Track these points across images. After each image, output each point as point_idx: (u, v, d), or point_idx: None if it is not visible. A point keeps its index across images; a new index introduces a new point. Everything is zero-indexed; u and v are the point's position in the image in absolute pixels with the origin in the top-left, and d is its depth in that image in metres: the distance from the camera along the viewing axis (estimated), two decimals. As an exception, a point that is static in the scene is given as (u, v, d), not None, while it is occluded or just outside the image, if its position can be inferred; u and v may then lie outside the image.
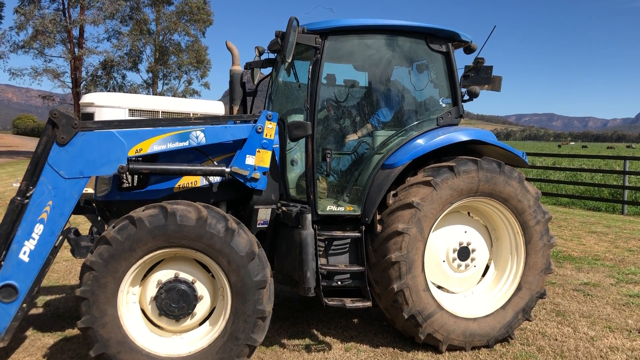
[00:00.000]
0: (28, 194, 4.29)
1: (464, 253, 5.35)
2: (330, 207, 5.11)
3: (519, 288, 5.39)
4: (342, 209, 5.13)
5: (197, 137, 4.67)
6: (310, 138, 4.96)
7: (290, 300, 6.56)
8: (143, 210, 4.34)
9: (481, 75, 5.44)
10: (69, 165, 4.26)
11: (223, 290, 4.44)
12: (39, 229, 4.19)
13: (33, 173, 4.34)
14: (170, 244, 4.23)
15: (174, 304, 4.32)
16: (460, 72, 5.48)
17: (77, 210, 4.79)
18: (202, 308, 4.44)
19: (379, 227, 5.04)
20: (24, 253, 4.15)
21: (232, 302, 4.32)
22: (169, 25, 39.77)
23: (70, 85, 38.25)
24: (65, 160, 4.27)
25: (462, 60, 5.52)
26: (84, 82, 39.38)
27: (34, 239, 4.17)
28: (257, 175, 4.84)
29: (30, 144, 57.84)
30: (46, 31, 35.97)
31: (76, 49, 38.13)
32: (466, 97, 5.46)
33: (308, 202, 5.07)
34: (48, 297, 6.54)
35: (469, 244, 5.36)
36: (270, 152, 4.91)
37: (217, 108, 16.38)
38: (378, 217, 5.09)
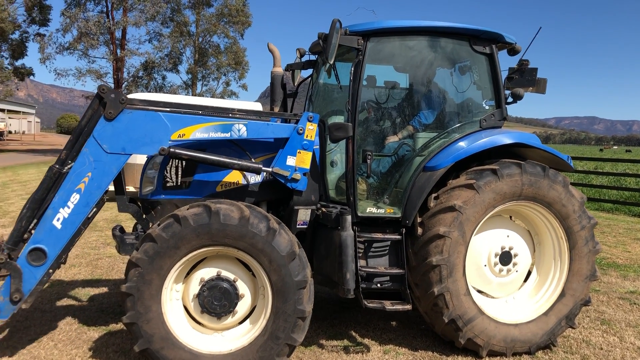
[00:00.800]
0: (66, 163, 4.43)
1: (505, 257, 5.27)
2: (370, 209, 5.11)
3: (562, 294, 5.28)
4: (382, 211, 5.12)
5: (239, 130, 4.73)
6: (351, 139, 4.96)
7: (328, 301, 6.58)
8: (187, 209, 4.42)
9: (525, 77, 5.36)
10: (112, 140, 4.37)
11: (264, 289, 4.49)
12: (75, 198, 4.31)
13: (74, 143, 4.46)
14: (214, 243, 4.29)
15: (216, 301, 4.39)
16: (504, 74, 5.41)
17: (123, 208, 4.90)
18: (243, 306, 4.49)
19: (419, 230, 5.01)
20: (58, 220, 4.28)
21: (272, 302, 4.37)
22: (209, 27, 40.34)
23: (113, 85, 39.14)
24: (110, 135, 4.37)
25: (505, 62, 5.40)
26: (125, 82, 40.31)
27: (69, 207, 4.30)
28: (298, 176, 4.88)
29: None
30: (90, 33, 36.95)
31: (118, 51, 39.07)
32: (510, 99, 5.38)
33: (348, 204, 5.08)
34: (92, 292, 6.71)
35: (511, 248, 5.27)
36: (310, 154, 4.94)
37: (256, 109, 16.49)
38: (419, 219, 5.06)
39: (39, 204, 4.40)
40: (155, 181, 5.01)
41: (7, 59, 39.98)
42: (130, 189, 15.69)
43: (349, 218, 4.79)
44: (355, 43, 5.01)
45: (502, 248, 5.25)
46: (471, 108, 5.46)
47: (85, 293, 6.67)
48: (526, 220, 5.50)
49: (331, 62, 4.78)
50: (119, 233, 4.98)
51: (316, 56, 6.30)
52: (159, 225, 4.39)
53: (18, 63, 40.98)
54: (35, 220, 4.40)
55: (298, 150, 4.90)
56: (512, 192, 5.00)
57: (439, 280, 4.86)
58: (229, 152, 4.94)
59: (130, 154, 4.44)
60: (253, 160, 4.98)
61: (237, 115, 4.86)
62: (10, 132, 70.05)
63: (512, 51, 5.49)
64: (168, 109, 4.60)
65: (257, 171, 4.77)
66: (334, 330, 5.67)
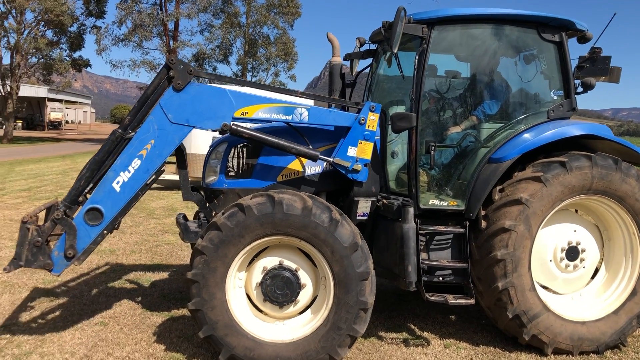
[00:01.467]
0: (129, 129, 4.54)
1: (572, 253, 5.09)
2: (433, 201, 5.03)
3: (633, 293, 5.08)
4: (445, 203, 5.03)
5: (300, 114, 4.71)
6: (414, 130, 4.87)
7: (385, 293, 6.53)
8: (251, 199, 4.46)
9: (597, 66, 5.14)
10: (177, 111, 4.43)
11: (325, 279, 4.49)
12: (136, 163, 4.39)
13: (139, 110, 4.57)
14: (277, 232, 4.32)
15: (279, 290, 4.41)
16: (573, 63, 5.21)
17: (187, 196, 4.97)
18: (304, 296, 4.51)
19: (483, 223, 4.90)
20: (117, 183, 4.37)
21: (334, 292, 4.36)
22: (259, 17, 40.59)
23: (166, 77, 39.92)
24: (176, 105, 4.43)
25: (575, 51, 5.18)
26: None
27: (129, 171, 4.39)
28: (359, 167, 4.83)
29: (127, 132, 61.01)
30: (144, 25, 37.77)
31: (171, 42, 39.79)
32: (580, 89, 5.18)
33: (410, 195, 5.01)
34: (154, 278, 6.87)
35: (578, 243, 5.10)
36: (372, 144, 4.88)
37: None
38: (482, 212, 4.94)
39: (99, 166, 4.53)
40: (218, 170, 5.07)
41: (65, 50, 41.35)
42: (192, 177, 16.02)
43: (411, 210, 4.73)
44: (419, 31, 4.91)
45: (569, 243, 5.08)
46: (538, 98, 5.29)
47: (146, 279, 6.84)
48: (595, 214, 5.30)
49: (395, 51, 4.71)
50: (182, 221, 5.06)
51: (376, 45, 6.23)
52: (223, 213, 4.45)
53: (76, 55, 42.33)
54: (90, 185, 4.54)
55: (359, 141, 4.86)
56: (581, 186, 4.82)
57: (503, 275, 4.74)
58: (289, 140, 4.94)
59: (193, 127, 4.47)
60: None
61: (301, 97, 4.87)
62: (67, 122, 72.58)
63: (583, 39, 5.28)
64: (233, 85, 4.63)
65: (313, 158, 4.74)
66: (393, 322, 5.63)
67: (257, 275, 4.49)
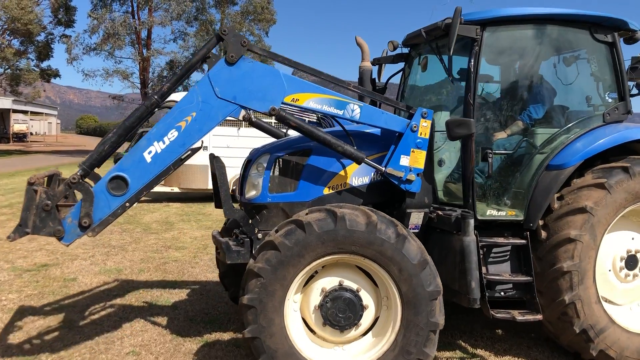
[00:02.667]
0: (167, 97, 4.17)
1: (631, 262, 4.89)
2: (491, 212, 4.76)
3: (690, 303, 4.90)
4: (503, 213, 4.77)
5: (352, 111, 4.40)
6: (472, 137, 4.60)
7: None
8: (307, 214, 4.13)
9: (653, 67, 4.96)
10: (226, 86, 4.06)
11: (388, 299, 4.20)
12: (172, 134, 3.99)
13: (180, 78, 4.20)
14: (339, 250, 3.99)
15: (341, 313, 4.08)
16: (626, 64, 5.02)
17: (230, 213, 4.59)
18: (366, 318, 4.18)
19: (543, 234, 4.66)
20: (149, 153, 3.96)
21: (402, 313, 4.05)
22: (234, 25, 40.11)
23: (139, 86, 39.13)
24: (225, 79, 4.07)
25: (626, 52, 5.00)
26: (151, 82, 40.24)
27: (164, 142, 3.99)
28: (413, 177, 4.55)
29: (94, 143, 59.70)
30: (116, 33, 36.91)
31: (144, 50, 39.00)
32: (634, 90, 5.00)
33: (465, 206, 4.73)
34: (173, 299, 6.44)
35: (637, 251, 4.90)
36: (424, 153, 4.60)
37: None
38: (541, 222, 4.70)
39: (127, 132, 4.12)
40: (260, 184, 4.71)
41: (33, 60, 40.15)
42: (175, 189, 15.46)
43: (472, 222, 4.45)
44: (473, 33, 4.65)
45: (628, 252, 4.88)
46: (592, 101, 5.08)
47: (165, 300, 6.40)
48: (649, 220, 5.11)
49: (450, 54, 4.45)
50: (223, 239, 4.69)
51: (409, 49, 5.97)
52: (277, 231, 4.11)
53: (44, 65, 41.16)
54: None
55: (412, 149, 4.57)
56: (637, 193, 4.63)
57: (569, 288, 4.50)
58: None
59: (239, 105, 4.11)
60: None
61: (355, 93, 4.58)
62: (31, 134, 70.55)
63: (631, 39, 5.11)
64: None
65: (358, 160, 4.44)
66: (440, 339, 5.31)
67: (315, 297, 4.15)
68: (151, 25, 38.33)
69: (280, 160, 4.76)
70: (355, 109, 4.40)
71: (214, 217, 12.97)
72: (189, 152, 4.22)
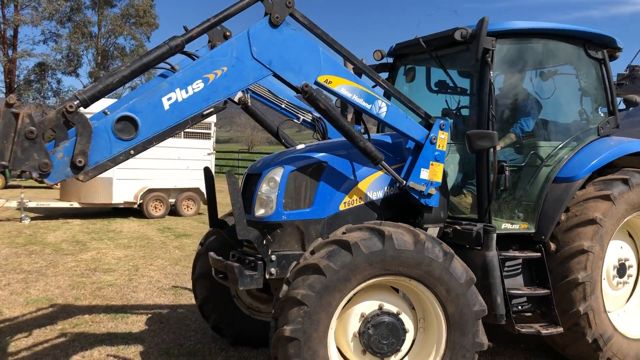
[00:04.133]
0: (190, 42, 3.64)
1: (622, 270, 5.10)
2: (505, 225, 4.72)
3: (676, 306, 5.20)
4: (517, 226, 4.75)
5: (379, 108, 4.16)
6: (494, 149, 4.52)
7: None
8: (346, 234, 3.80)
9: (637, 84, 5.23)
10: (264, 47, 3.65)
11: (424, 321, 3.98)
12: (198, 85, 3.48)
13: (211, 26, 3.68)
14: (386, 272, 3.71)
15: (384, 340, 3.80)
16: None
17: (244, 233, 4.10)
18: (407, 343, 3.92)
19: (552, 246, 4.70)
20: (169, 99, 3.40)
21: (447, 335, 3.85)
22: (114, 27, 37.88)
23: (4, 90, 35.60)
24: (265, 40, 3.65)
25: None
26: (16, 86, 36.74)
27: (187, 91, 3.46)
28: (433, 191, 4.40)
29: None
30: (-23, 31, 33.32)
31: (10, 52, 35.57)
32: (622, 105, 5.23)
33: (481, 220, 4.64)
34: (132, 329, 5.71)
35: (626, 260, 5.11)
36: (442, 165, 4.47)
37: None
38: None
39: (142, 70, 3.50)
40: (274, 200, 4.27)
41: None
42: (74, 204, 14.07)
43: (494, 236, 4.37)
44: (490, 44, 4.58)
45: (619, 260, 5.08)
46: (585, 115, 5.24)
47: (125, 331, 5.66)
48: (632, 229, 5.36)
49: (476, 62, 4.38)
50: (236, 263, 4.19)
51: (392, 60, 5.82)
52: (313, 253, 3.74)
53: None
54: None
55: (431, 162, 4.42)
56: (638, 204, 4.84)
57: (582, 299, 4.56)
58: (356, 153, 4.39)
59: (272, 72, 3.72)
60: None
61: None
62: None
63: (612, 57, 5.36)
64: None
65: (377, 160, 4.18)
66: None
67: (353, 323, 3.81)
68: (18, 24, 35.07)
69: (295, 174, 4.35)
70: (382, 106, 4.17)
71: (127, 234, 11.97)
72: (212, 110, 3.66)
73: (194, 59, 4.12)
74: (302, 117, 5.48)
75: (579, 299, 4.56)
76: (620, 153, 4.84)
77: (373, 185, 4.49)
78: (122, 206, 14.40)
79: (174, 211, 15.01)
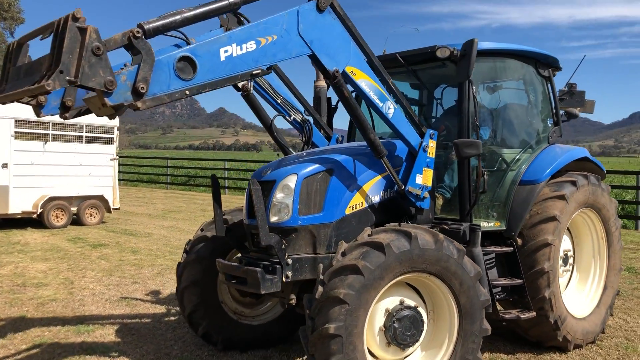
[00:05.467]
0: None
1: (565, 259, 5.88)
2: (483, 224, 5.26)
3: (605, 287, 6.09)
4: (491, 225, 5.32)
5: (388, 108, 4.56)
6: (479, 156, 5.03)
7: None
8: (374, 236, 4.11)
9: (575, 99, 6.08)
10: (309, 27, 3.96)
11: (433, 312, 4.39)
12: (250, 46, 3.69)
13: None
14: (412, 269, 4.07)
15: (407, 332, 4.15)
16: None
17: (266, 239, 4.24)
18: (424, 333, 4.30)
19: (519, 241, 5.34)
20: (225, 52, 3.58)
21: (459, 324, 4.28)
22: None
23: None
24: (311, 21, 3.97)
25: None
26: None
27: (241, 49, 3.66)
28: (427, 194, 4.86)
29: None
30: None
31: None
32: (564, 118, 6.03)
33: (462, 219, 5.14)
34: (107, 341, 5.52)
35: (567, 251, 5.91)
36: (432, 171, 4.93)
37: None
38: (515, 230, 5.38)
39: (204, 17, 3.63)
40: (290, 206, 4.45)
41: None
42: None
43: (479, 234, 4.91)
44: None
45: (564, 251, 5.85)
46: (537, 125, 5.96)
47: (102, 347, 5.45)
48: (571, 224, 6.18)
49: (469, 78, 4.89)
50: (259, 268, 4.30)
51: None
52: (344, 254, 3.99)
53: None
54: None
55: (423, 168, 4.86)
56: (583, 201, 5.64)
57: (547, 285, 5.23)
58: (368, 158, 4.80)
59: (311, 51, 3.99)
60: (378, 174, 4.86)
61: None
62: None
63: (553, 75, 6.15)
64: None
65: (381, 153, 4.53)
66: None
67: (379, 318, 4.12)
68: None
69: (307, 181, 4.56)
70: (391, 107, 4.56)
71: (36, 246, 11.19)
72: (259, 71, 3.85)
73: (243, 23, 4.34)
74: (293, 116, 5.68)
75: (544, 286, 5.23)
76: (570, 159, 5.61)
77: (372, 189, 4.83)
78: (19, 216, 13.36)
79: (76, 220, 14.19)
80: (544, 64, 5.85)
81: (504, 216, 5.39)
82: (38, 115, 3.28)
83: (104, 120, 14.78)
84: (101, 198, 14.58)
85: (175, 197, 23.55)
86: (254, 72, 3.79)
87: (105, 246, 11.29)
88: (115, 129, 14.95)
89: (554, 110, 5.94)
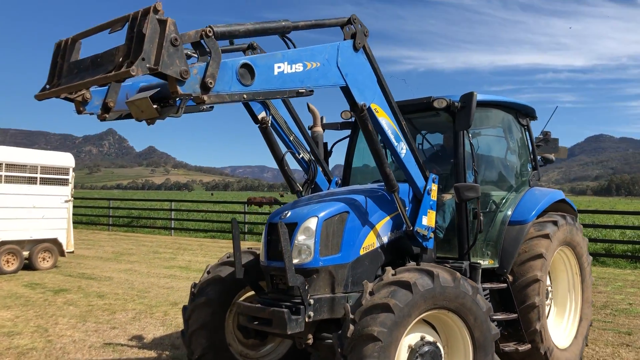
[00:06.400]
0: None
1: (546, 294, 6.32)
2: (479, 262, 5.61)
3: (581, 319, 6.57)
4: (486, 262, 5.68)
5: (402, 148, 4.91)
6: (478, 199, 5.39)
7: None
8: (395, 275, 4.35)
9: (550, 145, 6.63)
10: (346, 62, 4.34)
11: (447, 347, 4.65)
12: (298, 67, 4.00)
13: (313, 27, 4.25)
14: (434, 306, 4.33)
15: (429, 367, 4.37)
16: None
17: (294, 280, 4.41)
18: (441, 367, 4.55)
19: (510, 277, 5.73)
20: (279, 67, 3.89)
21: (473, 357, 4.56)
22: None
23: None
24: (347, 56, 4.37)
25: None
26: None
27: (291, 68, 3.96)
28: (432, 235, 5.18)
29: None
30: None
31: None
32: (541, 163, 6.56)
33: (461, 258, 5.48)
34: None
35: (548, 285, 6.36)
36: (435, 213, 5.27)
37: (67, 160, 14.52)
38: (503, 267, 5.78)
39: (263, 33, 3.90)
40: (312, 248, 4.65)
41: None
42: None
43: (480, 271, 5.26)
44: (468, 112, 5.53)
45: (547, 286, 6.30)
46: (521, 169, 6.44)
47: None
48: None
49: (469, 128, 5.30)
50: (285, 309, 4.43)
51: (353, 119, 6.53)
52: (372, 294, 4.22)
53: None
54: None
55: (428, 210, 5.20)
56: (563, 239, 6.13)
57: (538, 319, 5.62)
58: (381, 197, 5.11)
59: (345, 83, 4.33)
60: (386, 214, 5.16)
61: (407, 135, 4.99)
62: None
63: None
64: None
65: (394, 188, 4.86)
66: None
67: (403, 355, 4.33)
68: None
69: (326, 223, 4.77)
70: (404, 148, 4.92)
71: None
72: (304, 91, 4.12)
73: (289, 47, 4.64)
74: (301, 154, 5.89)
75: (535, 319, 5.62)
76: (551, 201, 6.11)
77: (382, 230, 5.11)
78: (-33, 261, 12.72)
79: (27, 265, 13.62)
80: (523, 113, 6.39)
81: (496, 254, 5.78)
82: (79, 111, 3.54)
83: (59, 161, 14.46)
84: (55, 241, 14.10)
85: (121, 239, 22.93)
86: (300, 91, 4.10)
87: (68, 291, 10.92)
88: (71, 169, 14.59)
89: (532, 156, 6.47)
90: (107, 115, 3.68)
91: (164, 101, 3.44)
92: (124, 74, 2.96)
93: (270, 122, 5.56)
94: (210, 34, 3.38)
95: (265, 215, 28.91)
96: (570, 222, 6.27)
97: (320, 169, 6.13)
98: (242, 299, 5.58)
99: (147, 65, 3.00)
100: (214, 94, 3.47)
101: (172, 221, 26.65)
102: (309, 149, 6.04)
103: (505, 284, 5.69)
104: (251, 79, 3.70)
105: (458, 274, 4.48)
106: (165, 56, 3.06)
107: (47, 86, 3.42)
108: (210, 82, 3.37)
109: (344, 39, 4.39)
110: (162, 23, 3.06)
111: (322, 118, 6.48)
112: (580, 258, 6.53)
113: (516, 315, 5.60)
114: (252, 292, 5.52)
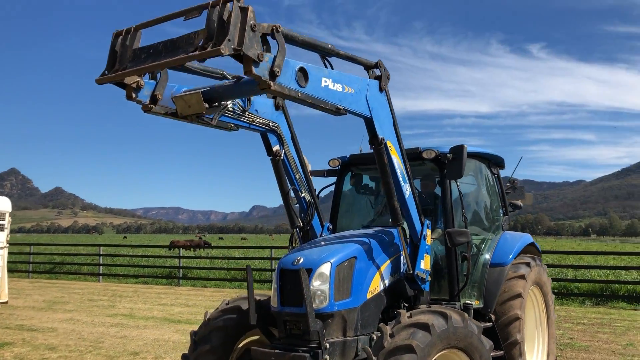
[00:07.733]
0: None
1: (519, 331, 6.78)
2: (467, 302, 5.98)
3: (548, 354, 7.07)
4: (473, 302, 6.05)
5: (406, 190, 5.21)
6: (468, 244, 5.78)
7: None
8: (411, 317, 4.61)
9: (517, 193, 7.21)
10: (372, 97, 4.71)
11: (453, 385, 4.93)
12: (337, 87, 4.32)
13: (339, 55, 4.57)
14: (447, 346, 4.61)
15: (442, 405, 4.61)
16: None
17: (314, 325, 4.55)
18: (452, 405, 4.80)
19: (492, 316, 6.14)
20: (324, 81, 4.20)
21: (478, 392, 4.85)
22: None
23: None
24: (374, 93, 4.74)
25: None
26: None
27: (333, 86, 4.28)
28: (429, 277, 5.50)
29: None
30: None
31: None
32: (510, 209, 7.11)
33: (452, 299, 5.83)
34: None
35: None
36: (429, 257, 5.61)
37: (3, 204, 13.85)
38: (483, 307, 6.19)
39: (304, 46, 4.17)
40: (327, 293, 4.82)
41: None
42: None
43: (472, 311, 5.62)
44: (451, 160, 5.97)
45: (516, 320, 6.76)
46: (495, 214, 6.94)
47: None
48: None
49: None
50: (306, 354, 4.55)
51: (338, 167, 6.84)
52: (392, 336, 4.44)
53: None
54: None
55: (424, 254, 5.53)
56: (534, 279, 6.65)
57: (519, 354, 6.05)
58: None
59: (370, 116, 4.68)
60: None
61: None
62: None
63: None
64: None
65: (399, 222, 5.12)
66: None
67: (418, 395, 4.55)
68: None
69: (338, 268, 4.96)
70: (408, 190, 5.23)
71: None
72: (342, 109, 4.40)
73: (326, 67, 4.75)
74: (303, 194, 6.06)
75: (517, 355, 6.04)
76: (524, 244, 6.64)
77: (384, 274, 5.36)
78: None
79: (-44, 317, 12.70)
80: (494, 163, 6.96)
81: (481, 295, 6.18)
82: (130, 97, 3.83)
83: (-5, 206, 13.71)
84: (-13, 291, 13.27)
85: (47, 287, 21.70)
86: (339, 107, 4.41)
87: (13, 344, 10.29)
88: (7, 214, 13.91)
89: (502, 202, 7.01)
90: (153, 107, 3.98)
91: (211, 102, 3.93)
92: (214, 52, 3.22)
93: (282, 156, 5.74)
94: (280, 30, 3.72)
95: (197, 260, 28.41)
96: (539, 264, 6.82)
97: (316, 213, 6.33)
98: (242, 344, 5.62)
99: (232, 46, 3.30)
100: (278, 84, 3.75)
101: (100, 267, 25.58)
102: (309, 191, 6.24)
103: (491, 323, 6.07)
104: (305, 82, 4.03)
105: (466, 314, 4.80)
106: (247, 39, 3.38)
107: (106, 72, 3.65)
108: (278, 71, 3.67)
109: (369, 78, 4.82)
110: (244, 10, 3.39)
111: (308, 165, 6.72)
112: (546, 296, 7.07)
113: (502, 352, 5.98)
114: (253, 338, 5.58)
